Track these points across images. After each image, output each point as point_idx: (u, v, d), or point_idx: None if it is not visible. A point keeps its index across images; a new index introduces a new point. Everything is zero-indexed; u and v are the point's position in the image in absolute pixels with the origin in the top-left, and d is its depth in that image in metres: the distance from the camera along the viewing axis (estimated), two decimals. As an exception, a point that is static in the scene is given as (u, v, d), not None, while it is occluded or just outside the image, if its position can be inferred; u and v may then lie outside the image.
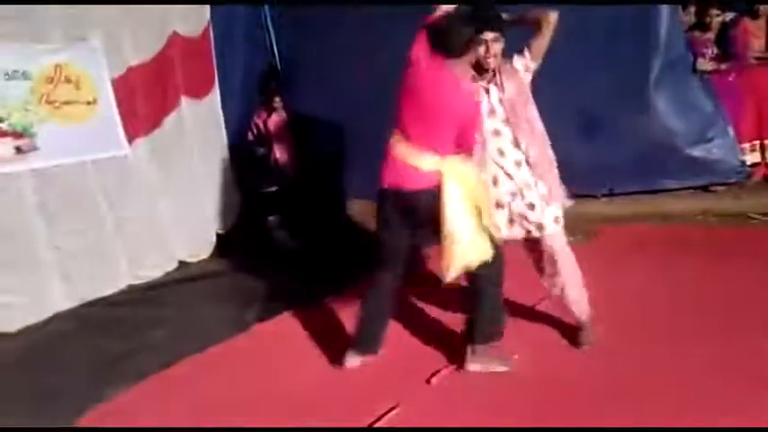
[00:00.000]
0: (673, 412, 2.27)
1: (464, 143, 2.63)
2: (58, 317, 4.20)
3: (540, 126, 2.81)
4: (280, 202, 6.61)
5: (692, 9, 5.04)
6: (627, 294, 3.36)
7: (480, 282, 2.73)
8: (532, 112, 2.80)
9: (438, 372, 2.83)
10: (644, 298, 3.30)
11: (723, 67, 4.85)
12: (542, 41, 2.71)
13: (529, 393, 2.56)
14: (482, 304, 2.77)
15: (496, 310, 2.82)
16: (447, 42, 2.50)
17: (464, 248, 2.50)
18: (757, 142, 4.83)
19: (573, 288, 2.87)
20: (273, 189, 6.83)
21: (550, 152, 2.85)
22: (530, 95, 2.80)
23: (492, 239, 2.61)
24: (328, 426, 2.51)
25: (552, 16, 2.65)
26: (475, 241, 2.52)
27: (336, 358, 3.04)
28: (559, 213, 2.82)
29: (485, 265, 2.58)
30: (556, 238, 2.82)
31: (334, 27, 5.59)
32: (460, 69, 2.58)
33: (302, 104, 6.15)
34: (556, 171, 2.84)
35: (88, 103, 4.46)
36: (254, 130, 6.88)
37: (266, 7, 6.33)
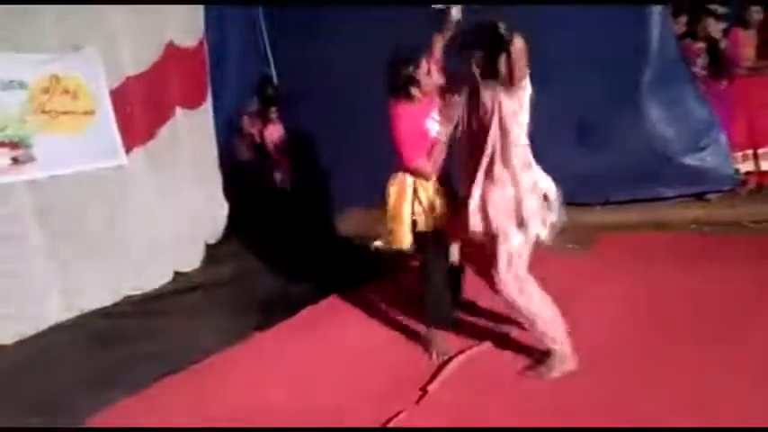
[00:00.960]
0: (670, 414, 2.29)
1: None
2: (54, 328, 4.17)
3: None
4: (273, 212, 6.63)
5: (684, 19, 5.09)
6: (622, 301, 3.38)
7: (426, 267, 3.08)
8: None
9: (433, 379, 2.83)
10: (639, 305, 3.31)
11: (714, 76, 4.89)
12: (514, 69, 2.52)
13: (534, 397, 2.58)
14: (426, 288, 3.09)
15: (438, 300, 3.09)
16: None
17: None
18: (750, 151, 4.87)
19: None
20: (267, 198, 6.87)
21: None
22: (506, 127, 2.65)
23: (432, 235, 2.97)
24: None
25: (518, 42, 2.45)
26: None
27: (337, 364, 3.04)
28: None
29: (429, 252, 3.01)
30: None
31: (331, 35, 5.62)
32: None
33: (298, 114, 6.18)
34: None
35: (85, 113, 4.45)
36: (249, 140, 6.90)
37: (261, 16, 6.36)
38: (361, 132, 5.31)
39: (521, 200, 2.67)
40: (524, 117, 2.66)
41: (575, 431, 2.32)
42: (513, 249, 2.70)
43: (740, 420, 2.20)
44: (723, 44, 4.88)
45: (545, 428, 2.36)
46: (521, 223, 2.68)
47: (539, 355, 2.84)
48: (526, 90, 2.63)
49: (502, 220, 2.69)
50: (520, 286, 2.73)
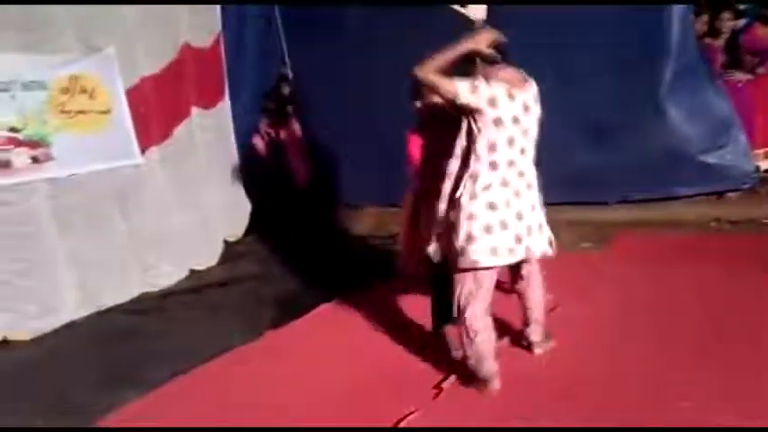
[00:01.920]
0: (690, 414, 2.26)
1: None
2: (72, 324, 4.22)
3: None
4: (291, 210, 6.65)
5: (705, 17, 5.02)
6: (639, 300, 3.34)
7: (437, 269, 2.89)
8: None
9: (447, 378, 2.82)
10: (656, 304, 3.27)
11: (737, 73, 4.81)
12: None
13: (540, 396, 2.55)
14: (436, 289, 3.06)
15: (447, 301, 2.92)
16: None
17: None
18: (771, 148, 4.81)
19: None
20: (285, 197, 6.90)
21: None
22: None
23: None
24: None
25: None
26: None
27: (350, 364, 3.04)
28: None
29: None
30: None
31: (348, 34, 5.63)
32: None
33: (315, 112, 6.20)
34: None
35: (102, 112, 4.51)
36: (266, 139, 6.93)
37: (278, 16, 6.38)
38: (377, 131, 5.32)
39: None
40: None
41: (574, 431, 2.30)
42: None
43: (743, 420, 2.16)
44: (742, 39, 4.79)
45: (545, 428, 2.34)
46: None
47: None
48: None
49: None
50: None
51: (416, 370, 2.96)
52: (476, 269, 2.55)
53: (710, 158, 4.71)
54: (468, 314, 2.59)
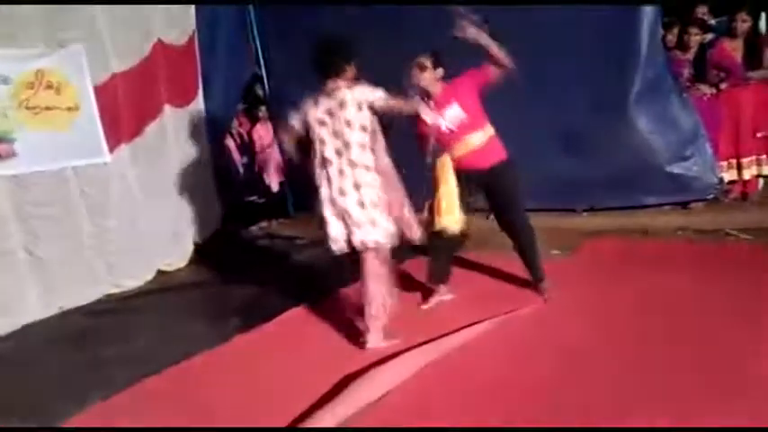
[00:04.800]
0: (654, 415, 2.29)
1: None
2: (33, 325, 4.13)
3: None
4: (261, 213, 6.60)
5: (676, 30, 5.12)
6: (606, 306, 3.38)
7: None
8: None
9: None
10: (622, 309, 3.32)
11: (703, 87, 4.91)
12: None
13: (510, 397, 2.57)
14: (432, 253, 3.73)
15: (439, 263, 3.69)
16: None
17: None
18: (734, 160, 4.90)
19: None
20: (255, 199, 6.85)
21: None
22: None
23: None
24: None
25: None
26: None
27: (319, 367, 3.03)
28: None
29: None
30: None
31: (321, 35, 5.60)
32: None
33: (288, 113, 6.15)
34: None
35: (69, 109, 4.42)
36: (237, 140, 6.87)
37: (252, 15, 6.33)
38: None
39: None
40: None
41: (567, 431, 2.32)
42: None
43: (710, 421, 2.20)
44: (709, 53, 4.89)
45: (543, 428, 2.35)
46: None
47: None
48: None
49: None
50: None
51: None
52: None
53: (677, 169, 4.80)
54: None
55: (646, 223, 4.74)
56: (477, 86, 3.36)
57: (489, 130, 3.44)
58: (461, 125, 3.37)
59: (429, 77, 3.36)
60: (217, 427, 2.63)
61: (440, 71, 3.40)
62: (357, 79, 3.12)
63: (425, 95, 3.38)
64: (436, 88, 3.40)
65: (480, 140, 3.40)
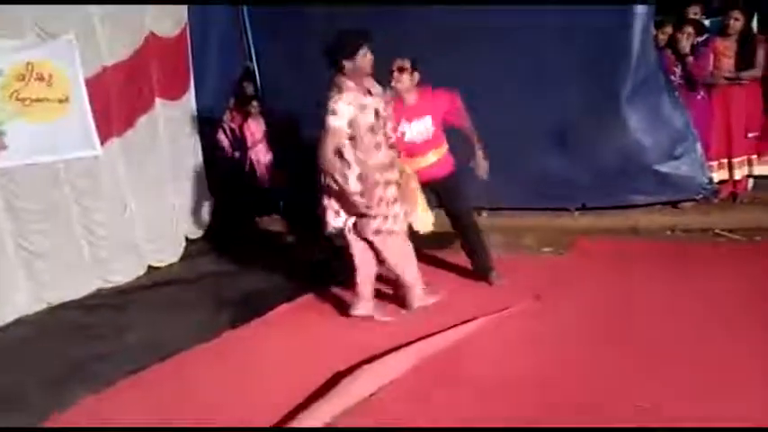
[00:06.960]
0: (651, 413, 2.31)
1: None
2: (22, 320, 4.10)
3: None
4: (254, 208, 6.57)
5: (669, 29, 5.12)
6: (597, 304, 3.40)
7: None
8: None
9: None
10: (612, 308, 3.34)
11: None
12: None
13: (514, 395, 2.58)
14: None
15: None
16: None
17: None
18: (725, 160, 4.93)
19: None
20: (247, 195, 6.81)
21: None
22: None
23: None
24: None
25: None
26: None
27: (309, 364, 3.03)
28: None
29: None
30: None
31: (315, 30, 5.57)
32: None
33: (281, 109, 6.12)
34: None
35: (60, 101, 4.37)
36: (229, 135, 6.83)
37: (245, 9, 6.29)
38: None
39: None
40: None
41: (569, 431, 2.33)
42: None
43: (696, 420, 2.22)
44: (691, 58, 4.90)
45: (541, 428, 2.36)
46: None
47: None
48: None
49: None
50: None
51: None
52: None
53: (667, 169, 4.82)
54: None
55: (637, 222, 4.77)
56: (446, 114, 3.61)
57: (445, 146, 3.71)
58: (425, 142, 3.53)
59: (407, 81, 3.47)
60: (211, 427, 2.61)
61: (416, 76, 3.47)
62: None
63: (399, 99, 3.48)
64: (411, 94, 3.48)
65: (439, 156, 3.66)
